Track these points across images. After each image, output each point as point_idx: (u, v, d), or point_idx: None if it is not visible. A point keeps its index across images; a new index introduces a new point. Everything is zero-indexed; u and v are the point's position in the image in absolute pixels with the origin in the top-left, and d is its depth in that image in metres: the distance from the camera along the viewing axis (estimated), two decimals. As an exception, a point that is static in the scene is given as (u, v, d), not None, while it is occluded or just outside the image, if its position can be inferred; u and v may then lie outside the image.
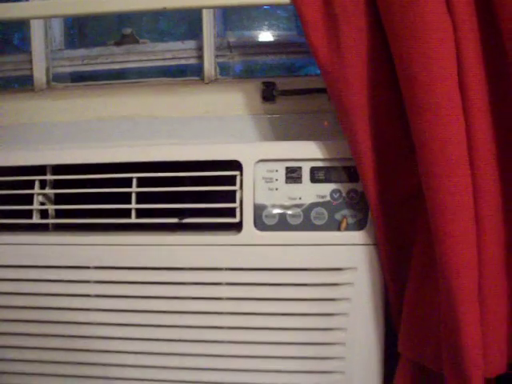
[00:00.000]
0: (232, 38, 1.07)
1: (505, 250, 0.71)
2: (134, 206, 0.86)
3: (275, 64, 1.14)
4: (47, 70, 1.10)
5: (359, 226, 0.82)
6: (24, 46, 1.28)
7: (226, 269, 0.84)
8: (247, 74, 1.14)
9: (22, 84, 1.15)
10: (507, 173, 0.70)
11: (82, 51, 1.13)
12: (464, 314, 0.67)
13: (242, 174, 0.83)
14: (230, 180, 0.84)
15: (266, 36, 1.13)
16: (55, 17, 1.07)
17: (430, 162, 0.67)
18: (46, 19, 1.09)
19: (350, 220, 0.82)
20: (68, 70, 1.12)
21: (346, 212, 0.82)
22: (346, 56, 0.74)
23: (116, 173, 0.86)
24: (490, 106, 0.68)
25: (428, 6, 0.66)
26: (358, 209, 0.82)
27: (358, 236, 0.82)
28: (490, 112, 0.68)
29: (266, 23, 1.13)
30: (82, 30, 1.21)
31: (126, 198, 0.86)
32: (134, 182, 0.86)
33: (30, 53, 1.11)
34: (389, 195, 0.78)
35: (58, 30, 1.14)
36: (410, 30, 0.67)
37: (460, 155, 0.67)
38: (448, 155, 0.66)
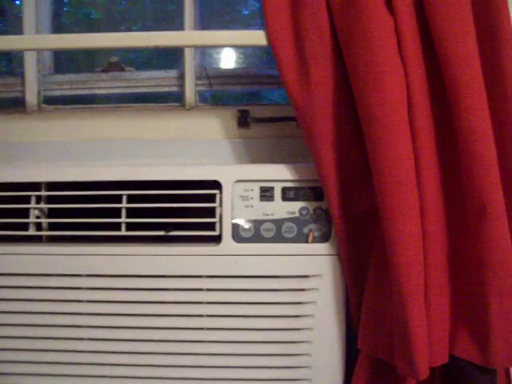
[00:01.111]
0: (210, 70, 1.18)
1: (447, 258, 0.84)
2: (123, 220, 0.95)
3: (243, 91, 1.26)
4: (38, 92, 1.18)
5: (324, 238, 0.94)
6: (8, 67, 1.37)
7: (207, 276, 0.94)
8: (220, 99, 1.25)
9: (10, 105, 1.23)
10: (450, 189, 0.83)
11: (70, 76, 1.22)
12: (412, 312, 0.79)
13: (221, 193, 0.94)
14: (210, 198, 0.95)
15: (239, 67, 1.24)
16: (49, 50, 1.17)
17: (382, 180, 0.80)
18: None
19: (316, 233, 0.94)
20: (57, 93, 1.21)
21: (312, 226, 0.94)
22: (314, 92, 0.86)
23: (105, 190, 0.96)
24: (435, 134, 0.81)
25: (382, 55, 0.79)
26: (323, 224, 0.94)
27: (322, 247, 0.94)
28: (434, 140, 0.82)
29: (241, 55, 1.25)
30: (70, 56, 1.30)
31: (114, 211, 0.96)
32: (124, 198, 0.96)
33: (21, 76, 1.19)
34: (349, 212, 0.90)
35: (48, 55, 1.22)
36: (368, 72, 0.80)
37: (408, 176, 0.79)
38: (397, 176, 0.79)
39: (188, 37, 0.95)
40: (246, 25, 1.60)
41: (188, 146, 1.09)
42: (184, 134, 1.10)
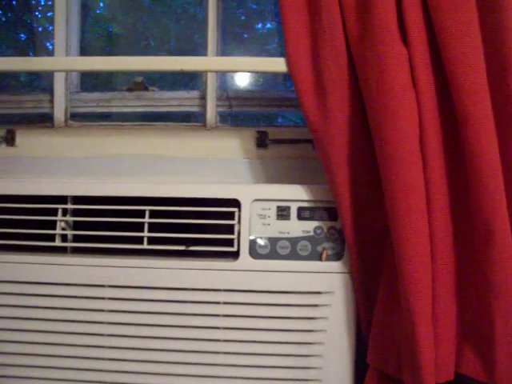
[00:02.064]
0: (231, 91, 1.23)
1: (454, 278, 0.88)
2: (146, 234, 1.00)
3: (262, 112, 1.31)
4: (66, 109, 1.24)
5: (337, 256, 0.98)
6: (32, 82, 1.42)
7: (224, 290, 0.99)
8: (238, 118, 1.30)
9: (38, 120, 1.28)
10: (458, 214, 0.87)
11: (97, 94, 1.28)
12: (420, 329, 0.83)
13: (240, 211, 0.99)
14: (229, 215, 0.99)
15: (257, 87, 1.29)
16: (79, 71, 1.23)
17: (395, 206, 0.84)
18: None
19: (330, 252, 0.98)
20: (84, 110, 1.27)
21: (326, 245, 0.98)
22: (331, 118, 0.90)
23: (129, 204, 1.01)
24: (445, 163, 0.85)
25: (397, 86, 0.84)
26: (336, 243, 0.98)
27: (335, 265, 0.98)
28: (444, 169, 0.86)
29: (260, 77, 1.30)
30: (97, 75, 1.35)
31: (136, 226, 1.01)
32: (147, 213, 1.00)
33: (49, 93, 1.25)
34: (362, 232, 0.94)
35: (75, 74, 1.28)
36: (383, 102, 0.84)
37: (419, 201, 0.84)
38: (408, 201, 0.83)
39: (212, 62, 1.00)
40: (264, 43, 1.65)
41: (208, 164, 1.14)
42: (204, 153, 1.15)
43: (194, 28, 1.57)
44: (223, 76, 1.28)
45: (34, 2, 1.58)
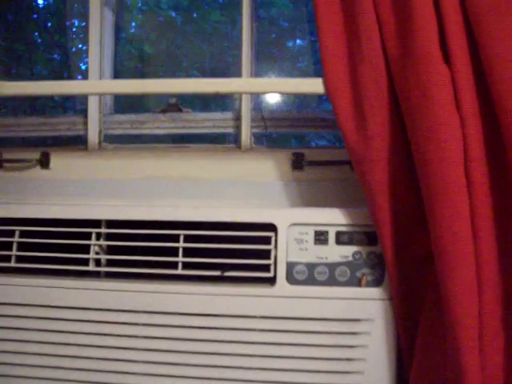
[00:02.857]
0: (265, 112, 1.21)
1: (502, 309, 0.84)
2: (181, 259, 0.98)
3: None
4: (99, 131, 1.24)
5: (377, 283, 0.95)
6: (65, 102, 1.43)
7: (260, 317, 0.96)
8: (272, 138, 1.29)
9: (72, 143, 1.28)
10: (504, 241, 0.83)
11: (130, 116, 1.27)
12: (467, 365, 0.79)
13: (276, 235, 0.97)
14: (265, 240, 0.97)
15: (292, 107, 1.28)
16: (112, 94, 1.23)
17: (440, 234, 0.81)
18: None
19: (369, 278, 0.95)
20: (118, 132, 1.26)
21: (365, 271, 0.95)
22: (371, 142, 0.88)
23: (163, 229, 1.00)
24: (491, 193, 0.82)
25: (439, 107, 0.81)
26: (376, 268, 0.95)
27: (375, 292, 0.95)
28: (491, 196, 0.82)
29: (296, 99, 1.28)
30: (131, 97, 1.36)
31: (171, 250, 0.99)
32: (181, 238, 0.99)
33: (83, 115, 1.25)
34: (403, 258, 0.91)
35: (109, 96, 1.28)
36: (425, 125, 0.81)
37: (464, 229, 0.80)
38: (453, 229, 0.79)
39: (248, 84, 0.99)
40: (296, 61, 1.64)
41: (242, 187, 1.12)
42: (239, 175, 1.13)
43: (226, 47, 1.57)
44: (257, 96, 1.27)
45: (68, 24, 1.59)
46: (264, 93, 1.17)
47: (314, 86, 0.93)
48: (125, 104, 1.37)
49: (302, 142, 1.42)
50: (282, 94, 1.14)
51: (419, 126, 0.83)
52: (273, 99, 1.37)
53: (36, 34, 1.69)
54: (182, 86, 0.98)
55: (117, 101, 1.30)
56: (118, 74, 1.37)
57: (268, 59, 1.48)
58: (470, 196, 0.80)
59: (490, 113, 0.81)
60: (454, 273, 0.80)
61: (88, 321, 1.01)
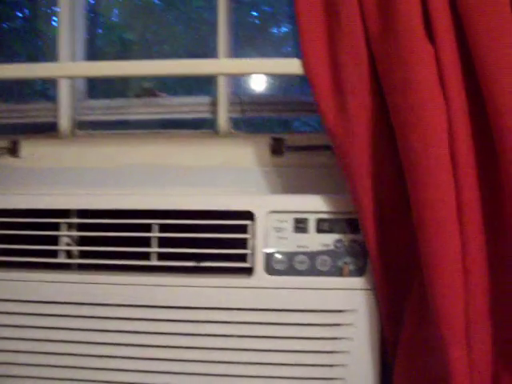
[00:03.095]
0: (244, 96, 1.16)
1: (489, 301, 0.80)
2: (154, 249, 0.94)
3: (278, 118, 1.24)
4: (71, 118, 1.18)
5: (359, 272, 0.91)
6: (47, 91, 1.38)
7: (237, 309, 0.92)
8: (254, 126, 1.24)
9: (43, 130, 1.23)
10: (492, 228, 0.79)
11: (104, 102, 1.22)
12: (454, 360, 0.75)
13: (254, 224, 0.92)
14: (243, 228, 0.93)
15: (273, 92, 1.23)
16: (83, 77, 1.17)
17: (423, 220, 0.76)
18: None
19: (352, 267, 0.91)
20: (90, 118, 1.21)
21: (347, 260, 0.91)
22: (352, 124, 0.83)
23: (137, 218, 0.95)
24: (477, 175, 0.77)
25: (423, 84, 0.76)
26: (358, 257, 0.91)
27: (358, 282, 0.91)
28: (477, 180, 0.78)
29: (276, 81, 1.23)
30: (104, 82, 1.30)
31: (145, 240, 0.95)
32: (155, 227, 0.94)
33: (54, 101, 1.19)
34: (386, 246, 0.86)
35: (82, 80, 1.22)
36: (409, 104, 0.77)
37: (450, 214, 0.76)
38: (438, 214, 0.75)
39: (222, 65, 0.94)
40: (279, 47, 1.60)
41: (220, 173, 1.07)
42: (217, 162, 1.09)
43: (208, 33, 1.52)
44: (237, 81, 1.22)
45: (49, 11, 1.54)
46: (240, 74, 1.12)
47: (291, 66, 0.88)
48: (100, 90, 1.32)
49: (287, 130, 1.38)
50: (258, 74, 1.09)
51: (401, 106, 0.78)
52: (256, 84, 1.32)
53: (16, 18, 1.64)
54: (154, 67, 0.93)
55: (91, 86, 1.24)
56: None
57: (251, 45, 1.43)
58: (455, 177, 0.76)
59: (475, 93, 0.77)
60: (439, 262, 0.75)
61: (59, 315, 0.96)
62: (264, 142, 1.08)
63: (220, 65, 0.94)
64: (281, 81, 1.28)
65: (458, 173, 0.76)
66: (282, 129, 1.38)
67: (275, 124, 1.37)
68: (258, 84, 1.28)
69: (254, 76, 1.26)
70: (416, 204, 0.77)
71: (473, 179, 0.77)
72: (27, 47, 1.61)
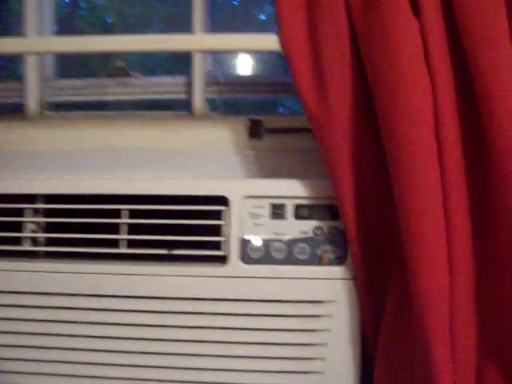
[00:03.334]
0: (221, 76, 1.11)
1: (475, 290, 0.75)
2: (123, 236, 0.89)
3: (259, 100, 1.19)
4: (40, 98, 1.12)
5: (339, 261, 0.86)
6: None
7: (211, 299, 0.87)
8: (234, 109, 1.19)
9: (10, 111, 1.17)
10: (478, 215, 0.75)
11: (74, 82, 1.16)
12: (437, 353, 0.71)
13: (229, 209, 0.87)
14: (217, 214, 0.88)
15: (254, 73, 1.17)
16: (51, 53, 1.11)
17: (407, 208, 0.72)
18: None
19: (331, 255, 0.86)
20: (60, 99, 1.15)
21: (327, 248, 0.87)
22: (331, 103, 0.79)
23: (106, 203, 0.90)
24: (464, 157, 0.73)
25: (406, 62, 0.71)
26: (338, 245, 0.86)
27: (337, 271, 0.86)
28: (462, 159, 0.73)
29: (256, 62, 1.18)
30: (75, 61, 1.24)
31: (117, 227, 0.90)
32: (124, 213, 0.89)
33: (21, 81, 1.13)
34: (368, 233, 0.82)
35: (51, 59, 1.16)
36: (392, 84, 0.72)
37: (434, 201, 0.71)
38: (423, 203, 0.71)
39: (195, 40, 0.89)
40: (262, 30, 1.54)
41: (195, 157, 1.02)
42: (192, 145, 1.03)
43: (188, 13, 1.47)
44: (215, 62, 1.16)
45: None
46: (214, 50, 1.06)
47: (268, 42, 0.83)
48: (69, 69, 1.25)
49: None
50: (233, 51, 1.03)
51: (384, 86, 0.73)
52: (236, 65, 1.27)
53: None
54: (126, 43, 0.87)
55: (60, 65, 1.18)
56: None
57: (230, 29, 1.37)
58: (441, 161, 0.72)
59: (462, 69, 0.73)
60: (423, 250, 0.71)
61: (22, 306, 0.91)
62: (242, 124, 1.02)
63: (193, 40, 0.88)
64: (264, 62, 1.22)
65: (444, 156, 0.72)
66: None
67: (258, 109, 1.32)
68: (238, 65, 1.22)
69: (234, 56, 1.21)
70: (399, 190, 0.73)
71: (460, 162, 0.73)
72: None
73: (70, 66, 1.25)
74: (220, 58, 1.17)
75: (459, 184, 0.73)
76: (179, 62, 1.32)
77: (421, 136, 0.71)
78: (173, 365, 0.89)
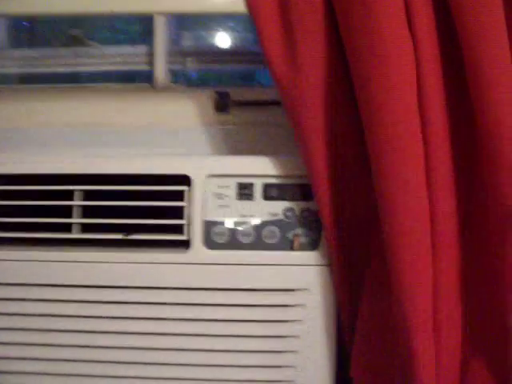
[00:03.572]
0: (186, 44, 1.02)
1: (459, 276, 0.69)
2: (75, 220, 0.81)
3: (230, 72, 1.10)
4: (-11, 70, 1.03)
5: (312, 245, 0.79)
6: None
7: (172, 288, 0.80)
8: (202, 82, 1.10)
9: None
10: (463, 194, 0.68)
11: (24, 51, 1.06)
12: (418, 342, 0.64)
13: (191, 190, 0.79)
14: (178, 195, 0.80)
15: (222, 43, 1.09)
16: None
17: (387, 186, 0.64)
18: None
19: (303, 239, 0.79)
20: (13, 71, 1.05)
21: (299, 231, 0.79)
22: (303, 73, 0.71)
23: (58, 184, 0.81)
24: (448, 128, 0.66)
25: (385, 23, 0.63)
26: (311, 228, 0.79)
27: (311, 256, 0.79)
28: (448, 135, 0.66)
29: (223, 29, 1.09)
30: (29, 30, 1.14)
31: (68, 210, 0.81)
32: (76, 194, 0.81)
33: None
34: (343, 215, 0.75)
35: (2, 28, 1.06)
36: (369, 47, 0.64)
37: (417, 179, 0.64)
38: (405, 179, 0.63)
39: (156, 1, 0.80)
40: None
41: (156, 133, 0.93)
42: (153, 120, 0.95)
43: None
44: (181, 31, 1.07)
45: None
46: (177, 12, 0.96)
47: (232, 3, 0.75)
48: (19, 37, 1.15)
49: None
50: (194, 13, 0.93)
51: (360, 50, 0.65)
52: (204, 35, 1.18)
53: None
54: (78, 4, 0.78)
55: (9, 33, 1.08)
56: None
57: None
58: (424, 135, 0.64)
59: (448, 32, 0.65)
60: (404, 234, 0.64)
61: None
62: (207, 97, 0.93)
63: (154, 1, 0.80)
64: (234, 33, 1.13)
65: (427, 128, 0.64)
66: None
67: (229, 83, 1.23)
68: (208, 35, 1.13)
69: (203, 25, 1.11)
70: (377, 164, 0.65)
71: (444, 135, 0.66)
72: None
73: (20, 35, 1.15)
74: (186, 25, 1.07)
75: (444, 165, 0.66)
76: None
77: (403, 107, 0.63)
78: (130, 359, 0.81)
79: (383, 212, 0.65)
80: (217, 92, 0.93)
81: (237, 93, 0.93)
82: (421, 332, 0.64)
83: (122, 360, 0.81)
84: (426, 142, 0.64)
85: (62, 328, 0.81)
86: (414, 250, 0.63)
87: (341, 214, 0.74)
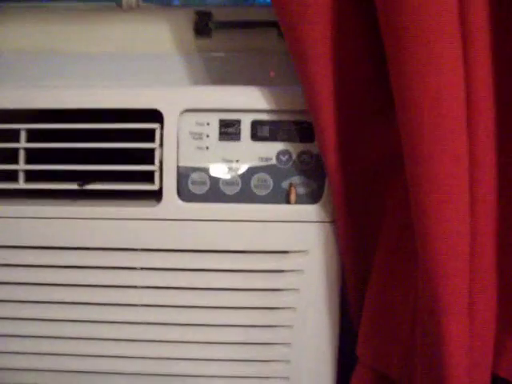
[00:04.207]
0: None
1: (497, 248, 0.55)
2: (21, 166, 0.65)
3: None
4: None
5: (313, 198, 0.65)
6: None
7: (142, 249, 0.66)
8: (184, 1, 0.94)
9: None
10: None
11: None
12: (451, 324, 0.51)
13: (162, 128, 0.64)
14: (148, 135, 0.65)
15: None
16: None
17: (418, 125, 0.49)
18: None
19: (301, 190, 0.65)
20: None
21: (296, 180, 0.65)
22: None
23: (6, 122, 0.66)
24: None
25: None
26: (311, 176, 0.64)
27: (310, 211, 0.65)
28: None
29: None
30: None
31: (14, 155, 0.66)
32: (23, 135, 0.65)
33: None
34: (353, 160, 0.60)
35: None
36: None
37: (457, 121, 0.49)
38: (443, 116, 0.48)
39: None
40: None
41: (125, 61, 0.78)
42: (120, 45, 0.79)
43: None
44: None
45: None
46: None
47: None
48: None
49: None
50: None
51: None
52: None
53: None
54: None
55: None
56: None
57: None
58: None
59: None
60: (438, 189, 0.49)
61: None
62: (186, 17, 0.78)
63: None
64: None
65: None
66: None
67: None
68: None
69: None
70: (402, 101, 0.50)
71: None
72: None
73: None
74: None
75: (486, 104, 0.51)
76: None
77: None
78: (93, 335, 0.68)
79: (415, 171, 0.50)
80: (197, 12, 0.77)
81: (221, 12, 0.77)
82: (455, 313, 0.51)
83: (84, 336, 0.68)
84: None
85: (7, 298, 0.67)
86: (450, 218, 0.49)
87: (350, 160, 0.60)
